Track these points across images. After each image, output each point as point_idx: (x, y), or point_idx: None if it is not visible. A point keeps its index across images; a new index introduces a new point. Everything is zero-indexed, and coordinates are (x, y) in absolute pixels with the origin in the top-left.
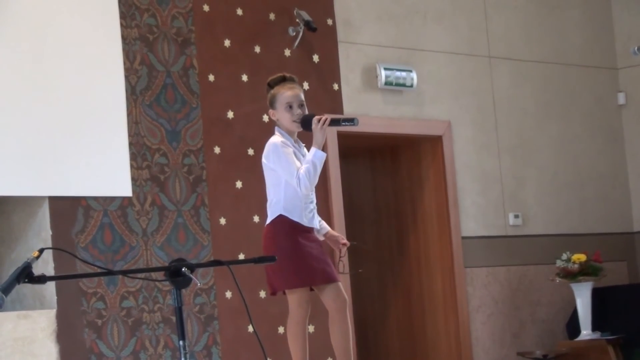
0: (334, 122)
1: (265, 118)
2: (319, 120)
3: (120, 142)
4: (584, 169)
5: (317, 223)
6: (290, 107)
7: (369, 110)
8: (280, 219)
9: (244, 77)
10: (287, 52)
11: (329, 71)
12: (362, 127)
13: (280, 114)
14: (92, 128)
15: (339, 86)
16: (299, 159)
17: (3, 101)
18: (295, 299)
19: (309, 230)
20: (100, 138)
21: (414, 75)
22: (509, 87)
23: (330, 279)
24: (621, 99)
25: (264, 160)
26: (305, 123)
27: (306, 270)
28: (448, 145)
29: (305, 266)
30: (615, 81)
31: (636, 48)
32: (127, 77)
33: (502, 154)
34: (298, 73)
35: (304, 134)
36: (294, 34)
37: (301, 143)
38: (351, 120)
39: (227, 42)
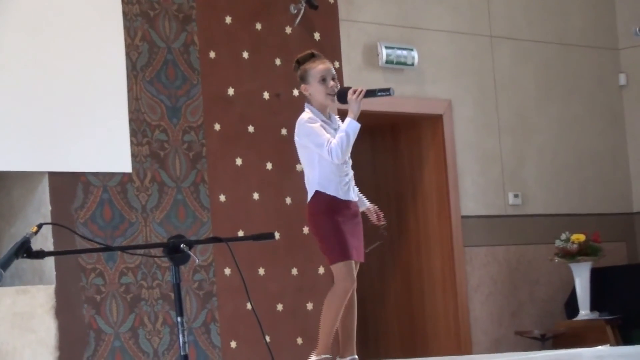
0: (370, 93)
1: (266, 95)
2: (354, 92)
3: (121, 118)
4: (584, 149)
5: (354, 195)
6: (324, 79)
7: (371, 87)
8: (317, 195)
9: (245, 55)
10: (288, 30)
11: (330, 49)
12: (362, 106)
13: (314, 88)
14: (93, 104)
15: (340, 64)
16: (329, 133)
17: (3, 77)
18: (338, 272)
19: (346, 205)
20: (101, 114)
21: (415, 54)
22: (510, 67)
23: (359, 257)
24: (622, 79)
25: (295, 138)
26: (341, 96)
27: (345, 244)
28: (448, 125)
29: (344, 241)
30: (616, 62)
31: (637, 29)
32: (127, 54)
33: (502, 133)
34: (299, 51)
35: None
36: (295, 11)
37: (334, 117)
38: (387, 90)
39: (228, 19)
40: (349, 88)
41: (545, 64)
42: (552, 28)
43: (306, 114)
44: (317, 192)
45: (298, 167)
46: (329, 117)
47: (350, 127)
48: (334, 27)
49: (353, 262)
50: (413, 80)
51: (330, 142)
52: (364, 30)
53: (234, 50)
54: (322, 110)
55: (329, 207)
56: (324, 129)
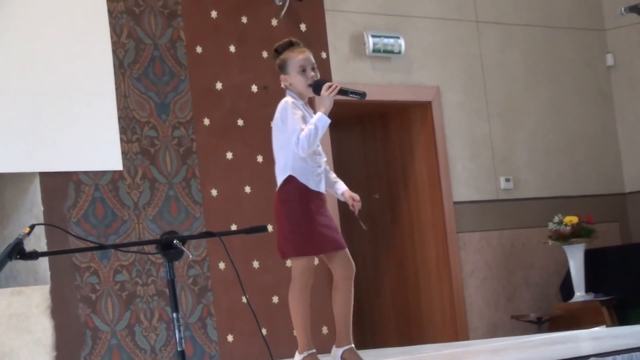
0: (343, 92)
1: (254, 88)
2: (329, 87)
3: (110, 116)
4: (574, 131)
5: (324, 188)
6: (304, 70)
7: (358, 77)
8: (290, 180)
9: (232, 48)
10: (274, 22)
11: (317, 40)
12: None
13: (294, 78)
14: (81, 103)
15: (327, 55)
16: (305, 123)
17: None
18: (300, 266)
19: (317, 196)
20: (90, 113)
21: (401, 41)
22: (497, 52)
23: (339, 247)
24: (610, 60)
25: (277, 121)
26: (317, 87)
27: (317, 238)
28: (437, 111)
29: (315, 234)
30: (603, 42)
31: (623, 9)
32: (114, 51)
33: (491, 118)
34: None
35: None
36: (281, 3)
37: (310, 109)
38: (359, 94)
39: (214, 13)
40: (325, 81)
41: (532, 48)
42: (537, 11)
43: (290, 99)
44: (290, 177)
45: None
46: (307, 107)
47: (320, 121)
48: (319, 17)
49: (314, 257)
50: (401, 68)
51: (300, 133)
52: (350, 19)
53: (220, 44)
54: (301, 99)
55: (302, 195)
56: (304, 119)
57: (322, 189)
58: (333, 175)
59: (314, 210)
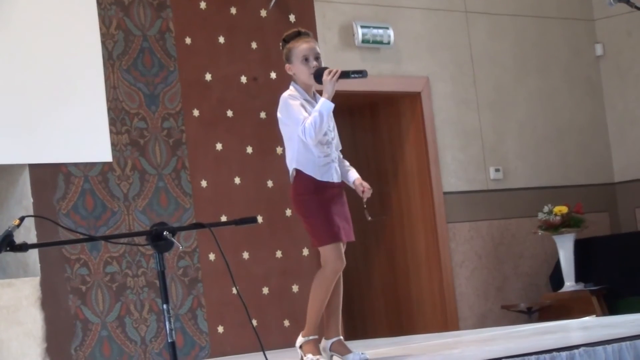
0: (344, 75)
1: (244, 79)
2: (329, 72)
3: (99, 107)
4: (563, 121)
5: (337, 177)
6: (307, 59)
7: (347, 68)
8: (298, 175)
9: (221, 39)
10: (264, 13)
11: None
12: (340, 86)
13: (297, 68)
14: (71, 94)
15: None
16: (310, 112)
17: None
18: (327, 254)
19: (329, 185)
20: (79, 104)
21: (390, 32)
22: (486, 42)
23: (349, 238)
24: (599, 50)
25: (277, 114)
26: (317, 76)
27: (334, 226)
28: (427, 102)
29: (332, 223)
30: (592, 32)
31: None
32: (103, 43)
33: (481, 108)
34: (275, 34)
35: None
36: None
37: (319, 97)
38: (360, 72)
39: (202, 4)
40: (325, 68)
41: (521, 38)
42: (527, 1)
43: (288, 91)
44: (296, 171)
45: (278, 149)
46: (314, 97)
47: (323, 107)
48: (308, 8)
49: (341, 243)
50: (390, 58)
51: (306, 121)
52: (339, 10)
53: (209, 35)
54: (306, 89)
55: (313, 187)
56: (305, 107)
57: (331, 178)
58: (346, 164)
59: (327, 199)
